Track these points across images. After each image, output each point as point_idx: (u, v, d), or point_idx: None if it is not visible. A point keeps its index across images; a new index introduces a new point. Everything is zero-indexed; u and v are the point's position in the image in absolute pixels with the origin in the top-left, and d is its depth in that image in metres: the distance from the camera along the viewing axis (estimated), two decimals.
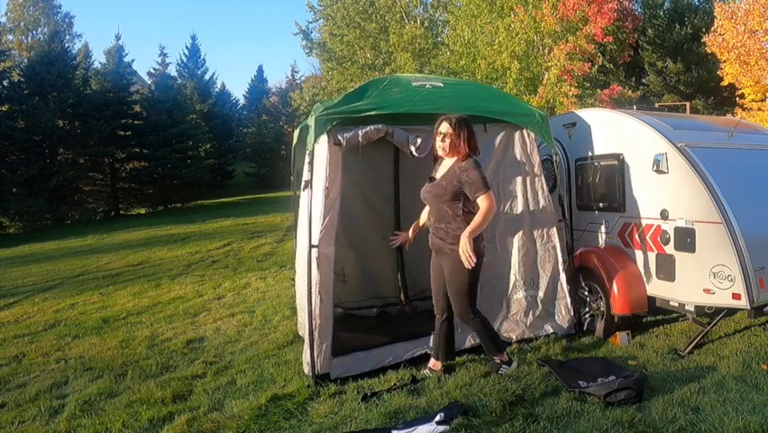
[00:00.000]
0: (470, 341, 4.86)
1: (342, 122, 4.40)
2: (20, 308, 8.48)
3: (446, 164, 4.27)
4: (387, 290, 6.26)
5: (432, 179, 4.33)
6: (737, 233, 4.43)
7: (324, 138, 4.38)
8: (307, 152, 4.48)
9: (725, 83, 18.73)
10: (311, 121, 4.42)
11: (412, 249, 6.21)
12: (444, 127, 4.18)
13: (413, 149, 4.67)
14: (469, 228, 4.01)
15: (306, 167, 4.50)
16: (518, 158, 5.10)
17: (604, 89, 19.99)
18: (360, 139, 4.39)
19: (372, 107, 4.51)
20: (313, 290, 4.32)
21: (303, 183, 4.52)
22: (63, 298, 8.97)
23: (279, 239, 14.12)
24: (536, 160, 5.12)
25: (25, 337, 6.68)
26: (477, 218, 4.03)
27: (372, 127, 4.44)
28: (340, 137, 4.38)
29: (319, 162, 4.45)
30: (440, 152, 4.26)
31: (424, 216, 4.66)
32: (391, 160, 6.06)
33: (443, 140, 4.18)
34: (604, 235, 5.49)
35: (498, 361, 4.41)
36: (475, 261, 3.96)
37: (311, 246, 4.33)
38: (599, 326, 5.25)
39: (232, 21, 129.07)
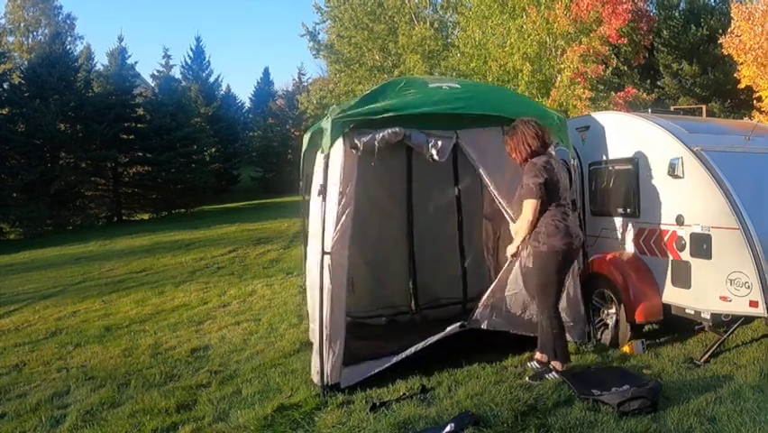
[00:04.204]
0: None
1: (358, 125, 4.32)
2: (20, 316, 8.42)
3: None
4: (397, 299, 6.17)
5: None
6: (754, 239, 4.36)
7: (339, 141, 4.31)
8: (323, 155, 4.41)
9: (742, 86, 18.44)
10: (326, 123, 4.36)
11: (424, 256, 6.12)
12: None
13: (434, 152, 4.55)
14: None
15: (320, 171, 4.43)
16: None
17: (618, 92, 19.71)
18: (377, 143, 4.30)
19: (389, 109, 4.41)
20: (324, 297, 4.24)
21: (318, 188, 4.44)
22: (65, 305, 8.91)
23: (286, 245, 14.02)
24: None
25: (26, 346, 6.63)
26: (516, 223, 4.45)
27: (390, 131, 4.34)
28: (356, 141, 4.29)
29: (334, 166, 4.36)
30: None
31: None
32: (404, 164, 5.97)
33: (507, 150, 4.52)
34: (618, 242, 5.40)
35: (542, 364, 4.45)
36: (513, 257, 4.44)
37: (323, 253, 4.25)
38: (613, 334, 5.16)
39: (237, 22, 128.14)
